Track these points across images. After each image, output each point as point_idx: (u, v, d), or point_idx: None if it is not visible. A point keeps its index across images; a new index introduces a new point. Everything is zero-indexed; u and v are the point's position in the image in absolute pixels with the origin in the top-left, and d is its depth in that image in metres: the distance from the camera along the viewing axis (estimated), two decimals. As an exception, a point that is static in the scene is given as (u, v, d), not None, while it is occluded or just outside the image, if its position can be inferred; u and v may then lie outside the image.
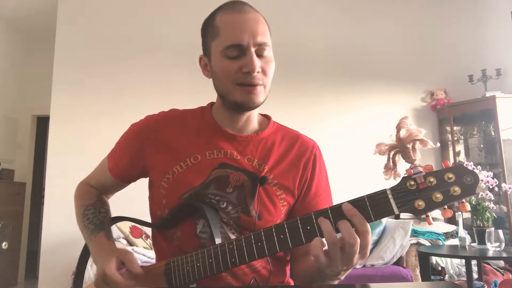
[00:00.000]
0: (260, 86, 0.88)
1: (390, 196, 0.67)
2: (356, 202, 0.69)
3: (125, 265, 0.86)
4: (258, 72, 0.86)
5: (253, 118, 0.99)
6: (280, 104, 3.58)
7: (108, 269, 0.83)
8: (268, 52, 0.89)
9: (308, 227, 0.72)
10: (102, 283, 0.84)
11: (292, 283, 1.00)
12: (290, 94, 3.90)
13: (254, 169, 0.94)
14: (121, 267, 0.86)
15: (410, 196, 0.67)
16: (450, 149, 3.91)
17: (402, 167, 0.71)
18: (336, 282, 0.82)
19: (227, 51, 0.86)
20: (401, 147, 0.70)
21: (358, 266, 3.06)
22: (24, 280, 4.86)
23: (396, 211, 0.67)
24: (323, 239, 0.71)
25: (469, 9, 4.19)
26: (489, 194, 2.54)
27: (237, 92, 0.88)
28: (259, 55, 0.87)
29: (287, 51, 3.83)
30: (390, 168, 0.72)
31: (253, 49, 0.86)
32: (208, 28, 0.92)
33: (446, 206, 0.65)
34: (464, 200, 0.64)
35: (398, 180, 0.69)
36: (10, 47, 4.94)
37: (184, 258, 0.84)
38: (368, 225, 0.69)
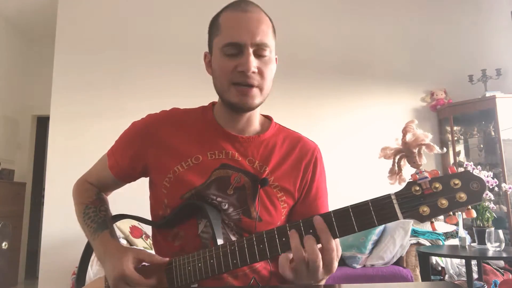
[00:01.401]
0: (256, 88, 0.88)
1: (394, 201, 0.66)
2: (360, 207, 0.69)
3: (145, 260, 0.86)
4: (253, 72, 0.86)
5: (254, 119, 0.99)
6: (280, 104, 3.59)
7: (127, 268, 0.82)
8: (268, 53, 0.89)
9: (311, 230, 0.71)
10: (122, 284, 0.83)
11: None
12: (290, 94, 3.90)
13: (255, 170, 0.94)
14: (137, 265, 0.85)
15: (415, 202, 0.66)
16: (450, 149, 3.91)
17: (408, 172, 0.70)
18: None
19: (225, 49, 0.87)
20: (407, 151, 0.69)
21: (358, 267, 3.07)
22: (24, 280, 4.85)
23: (400, 217, 0.66)
24: (290, 255, 0.72)
25: (469, 9, 4.19)
26: (489, 194, 2.54)
27: (232, 92, 0.88)
28: (258, 55, 0.87)
29: (288, 51, 3.82)
30: (395, 172, 0.71)
31: (251, 49, 0.86)
32: (212, 26, 0.93)
33: (451, 213, 0.64)
34: (470, 207, 0.63)
35: (403, 185, 0.69)
36: (10, 47, 4.92)
37: (186, 258, 0.84)
38: (334, 243, 0.70)
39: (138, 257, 0.85)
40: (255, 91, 0.88)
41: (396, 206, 0.66)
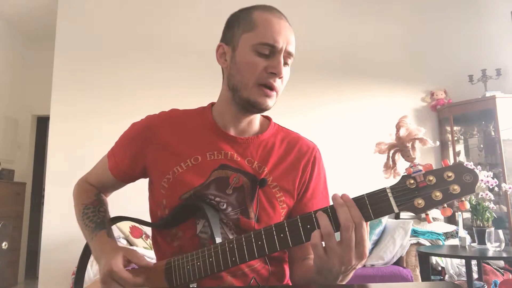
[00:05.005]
0: (275, 92, 0.91)
1: (389, 194, 0.67)
2: (356, 201, 0.69)
3: (132, 261, 0.86)
4: (280, 77, 0.89)
5: (256, 120, 1.00)
6: (279, 103, 3.58)
7: (115, 265, 0.82)
8: (290, 63, 0.93)
9: (308, 226, 0.71)
10: (110, 280, 0.83)
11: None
12: (289, 94, 3.88)
13: (254, 171, 0.94)
14: (127, 265, 0.86)
15: (410, 195, 0.66)
16: (450, 149, 3.91)
17: (402, 166, 0.71)
18: None
19: (260, 47, 0.87)
20: (401, 146, 0.70)
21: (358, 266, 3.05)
22: (24, 280, 4.85)
23: (395, 209, 0.67)
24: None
25: (469, 9, 4.19)
26: (489, 194, 2.54)
27: (255, 91, 0.89)
28: (285, 62, 0.90)
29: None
30: (389, 167, 0.72)
31: (282, 54, 0.89)
32: (241, 20, 0.92)
33: (445, 205, 0.65)
34: (463, 199, 0.64)
35: (398, 178, 0.69)
36: (10, 47, 4.94)
37: (185, 257, 0.83)
38: (363, 218, 0.69)
39: (127, 257, 0.85)
40: (275, 94, 0.91)
41: (392, 199, 0.67)
